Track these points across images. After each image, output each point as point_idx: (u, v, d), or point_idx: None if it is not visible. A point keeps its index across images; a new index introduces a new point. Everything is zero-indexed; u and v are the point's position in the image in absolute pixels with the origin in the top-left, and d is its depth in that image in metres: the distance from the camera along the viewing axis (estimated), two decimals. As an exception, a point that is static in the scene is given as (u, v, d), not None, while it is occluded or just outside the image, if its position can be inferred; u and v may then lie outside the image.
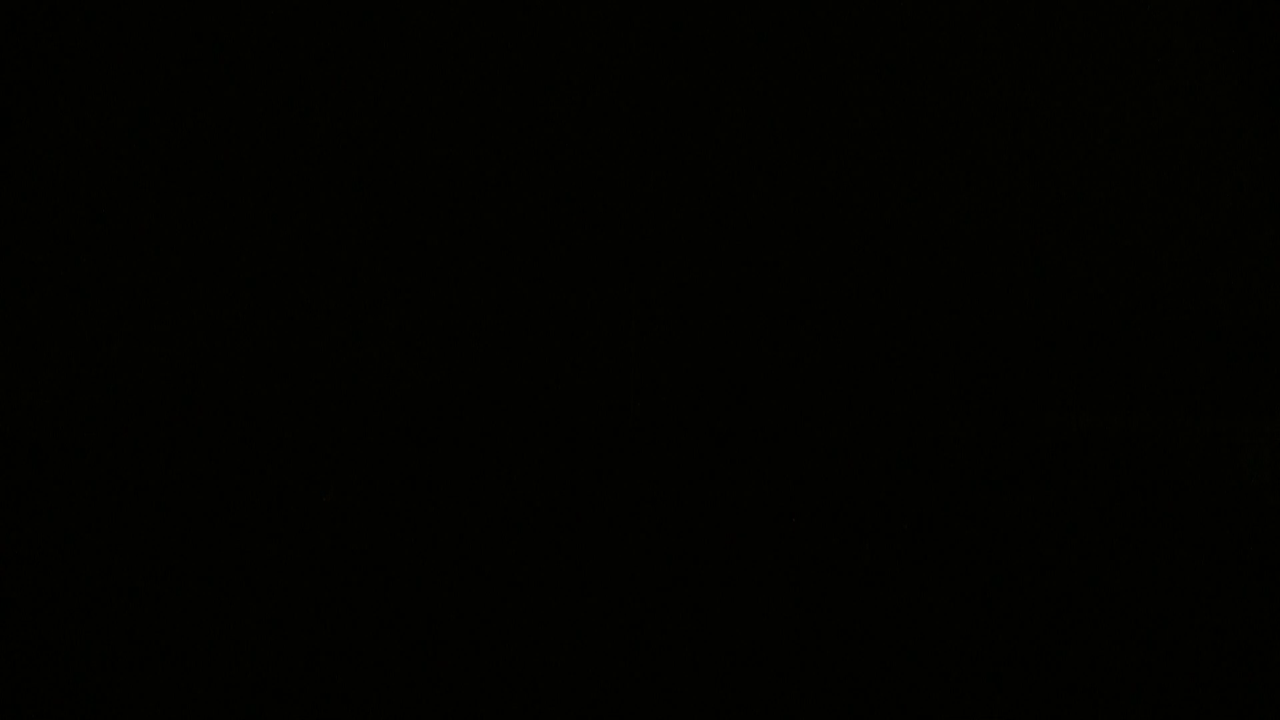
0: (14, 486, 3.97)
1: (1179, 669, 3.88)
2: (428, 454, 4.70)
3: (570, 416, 5.21)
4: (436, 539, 4.70)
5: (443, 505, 4.78)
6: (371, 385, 4.38)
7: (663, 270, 3.92)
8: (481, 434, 5.04)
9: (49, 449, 4.05)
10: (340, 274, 3.49)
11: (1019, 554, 4.47)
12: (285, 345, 3.77)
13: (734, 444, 5.30)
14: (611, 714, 3.69)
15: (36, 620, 2.89)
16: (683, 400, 5.11)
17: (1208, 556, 5.03)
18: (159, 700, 3.53)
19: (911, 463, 5.01)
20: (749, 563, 4.75)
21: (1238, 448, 5.14)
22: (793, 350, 4.30)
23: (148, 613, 3.68)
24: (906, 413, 4.93)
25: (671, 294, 3.95)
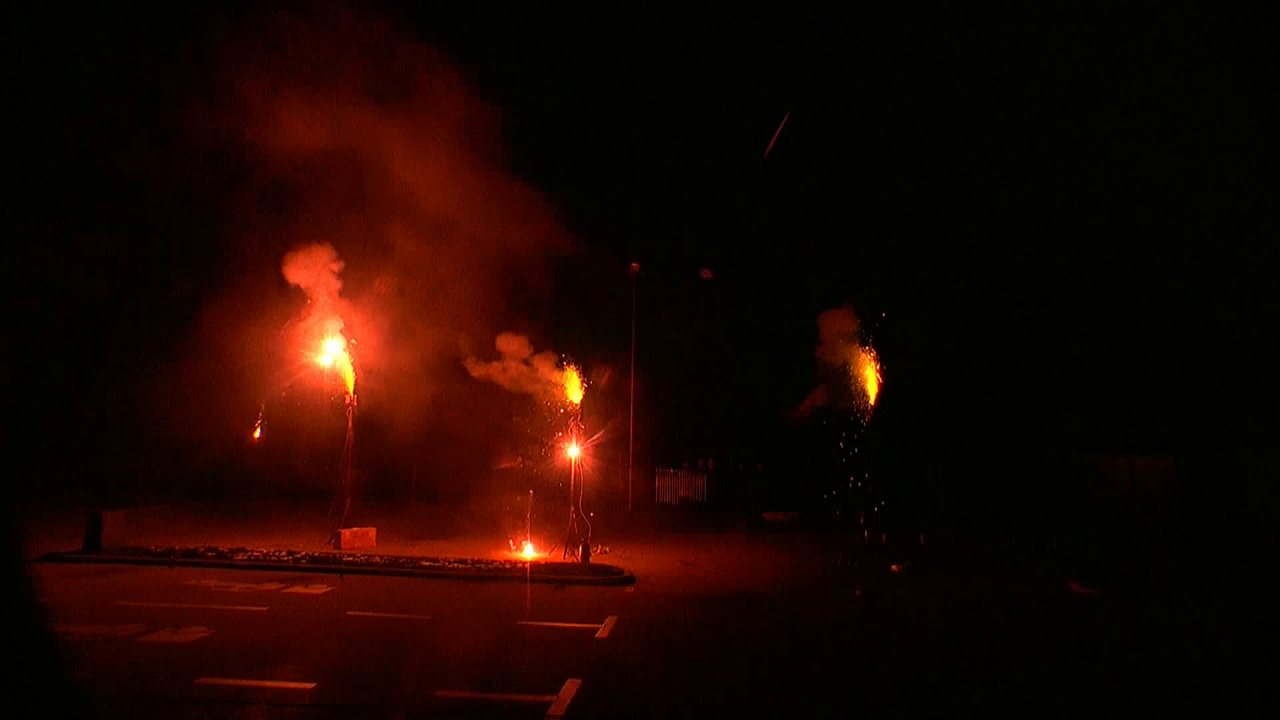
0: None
1: (1181, 683, 3.91)
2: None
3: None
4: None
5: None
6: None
7: (664, 275, 3.92)
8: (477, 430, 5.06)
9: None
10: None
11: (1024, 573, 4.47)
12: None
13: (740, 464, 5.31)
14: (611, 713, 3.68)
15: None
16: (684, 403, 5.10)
17: (1209, 578, 5.11)
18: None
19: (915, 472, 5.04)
20: (750, 562, 4.70)
21: (1240, 475, 5.34)
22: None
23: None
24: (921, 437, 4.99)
25: (676, 305, 3.96)
